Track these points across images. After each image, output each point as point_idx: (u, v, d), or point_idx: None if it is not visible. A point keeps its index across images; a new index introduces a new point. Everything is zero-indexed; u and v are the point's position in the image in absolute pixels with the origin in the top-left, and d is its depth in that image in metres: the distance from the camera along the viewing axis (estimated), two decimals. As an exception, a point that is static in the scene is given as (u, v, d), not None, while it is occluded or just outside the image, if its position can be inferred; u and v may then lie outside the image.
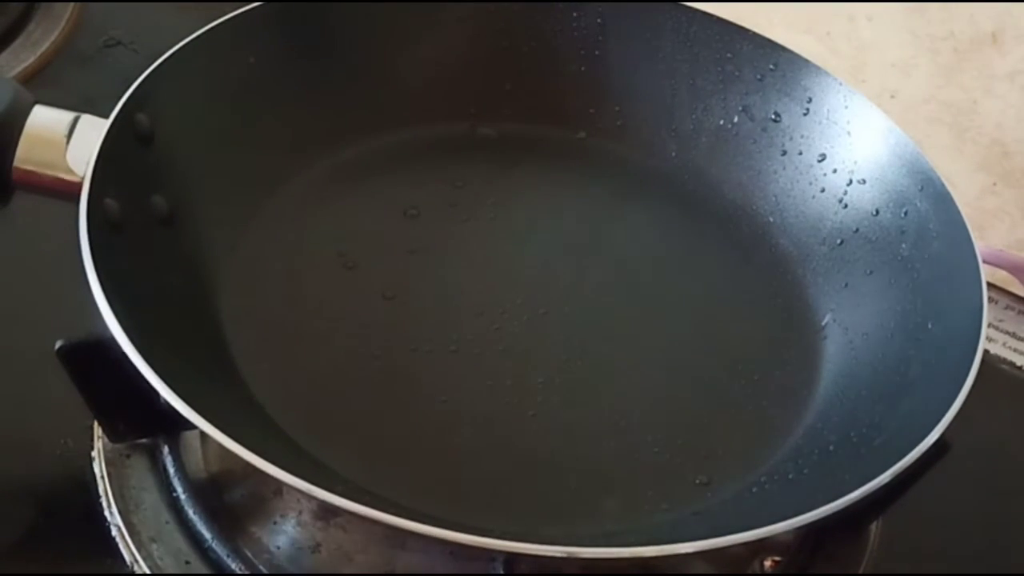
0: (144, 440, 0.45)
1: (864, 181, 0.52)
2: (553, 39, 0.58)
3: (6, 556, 0.44)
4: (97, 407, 0.42)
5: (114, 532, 0.44)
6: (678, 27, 0.57)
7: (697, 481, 0.43)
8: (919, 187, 0.49)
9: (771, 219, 0.55)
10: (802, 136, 0.54)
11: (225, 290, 0.47)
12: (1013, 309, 0.62)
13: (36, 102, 0.44)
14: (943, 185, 0.48)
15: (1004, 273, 0.61)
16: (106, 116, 0.44)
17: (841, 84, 0.53)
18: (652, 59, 0.57)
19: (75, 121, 0.43)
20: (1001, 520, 0.51)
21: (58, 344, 0.39)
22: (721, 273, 0.53)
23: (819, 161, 0.54)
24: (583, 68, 0.58)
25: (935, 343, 0.44)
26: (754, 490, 0.43)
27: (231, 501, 0.44)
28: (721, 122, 0.56)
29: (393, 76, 0.56)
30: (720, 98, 0.56)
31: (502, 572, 0.40)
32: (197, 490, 0.44)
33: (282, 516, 0.44)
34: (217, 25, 0.50)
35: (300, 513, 0.44)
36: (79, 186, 0.41)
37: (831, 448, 0.43)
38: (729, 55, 0.56)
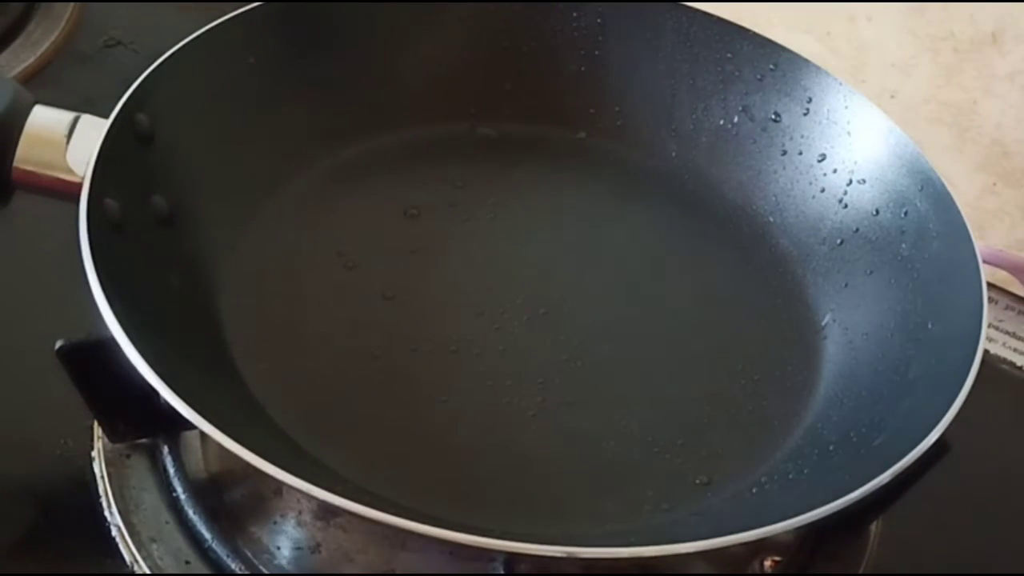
0: (144, 440, 0.45)
1: (864, 181, 0.52)
2: (553, 39, 0.58)
3: (6, 556, 0.44)
4: (97, 407, 0.42)
5: (114, 532, 0.44)
6: (678, 27, 0.57)
7: (697, 481, 0.43)
8: (919, 187, 0.49)
9: (771, 219, 0.55)
10: (802, 136, 0.54)
11: (225, 290, 0.47)
12: (1013, 309, 0.62)
13: (36, 102, 0.44)
14: (943, 185, 0.48)
15: (1004, 273, 0.61)
16: (106, 116, 0.44)
17: (841, 84, 0.53)
18: (652, 59, 0.57)
19: (75, 121, 0.43)
20: (1001, 520, 0.51)
21: (58, 344, 0.39)
22: (721, 273, 0.53)
23: (819, 161, 0.54)
24: (583, 68, 0.58)
25: (935, 343, 0.44)
26: (754, 490, 0.43)
27: (231, 501, 0.44)
28: (721, 122, 0.56)
29: (393, 76, 0.56)
30: (720, 98, 0.56)
31: (502, 572, 0.40)
32: (197, 490, 0.44)
33: (282, 516, 0.44)
34: (217, 25, 0.50)
35: (300, 513, 0.44)
36: (79, 186, 0.41)
37: (831, 448, 0.43)
38: (729, 55, 0.56)
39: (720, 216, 0.55)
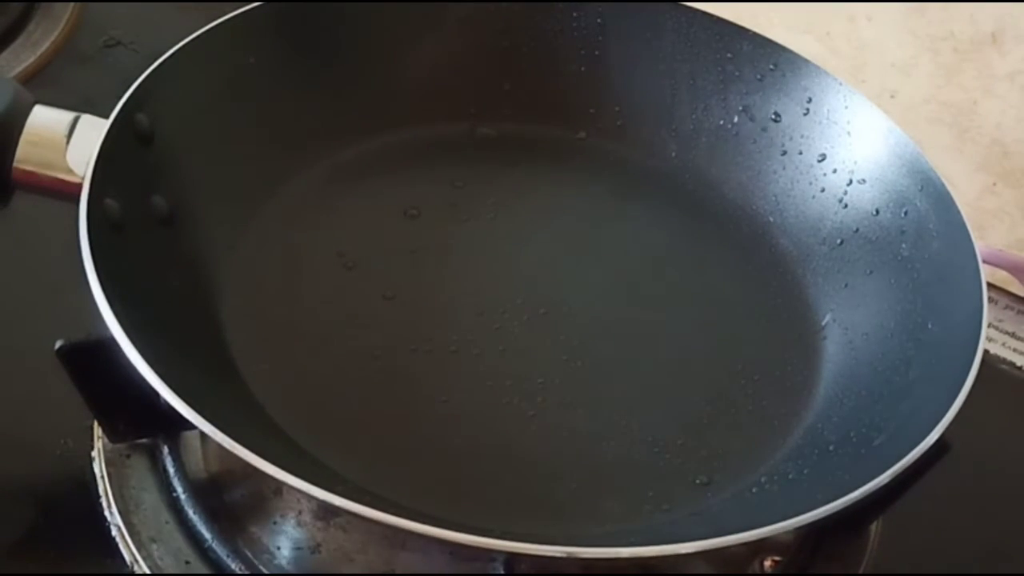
0: (144, 440, 0.45)
1: (864, 181, 0.52)
2: (553, 39, 0.58)
3: (6, 556, 0.44)
4: (97, 407, 0.42)
5: (114, 532, 0.44)
6: (678, 27, 0.57)
7: (697, 481, 0.43)
8: (919, 187, 0.49)
9: (771, 219, 0.55)
10: (802, 136, 0.54)
11: (225, 290, 0.47)
12: (1013, 309, 0.62)
13: (36, 102, 0.44)
14: (943, 185, 0.48)
15: (1004, 273, 0.61)
16: (106, 116, 0.44)
17: (841, 84, 0.53)
18: (652, 59, 0.57)
19: (75, 121, 0.43)
20: (1001, 520, 0.51)
21: (58, 344, 0.39)
22: (721, 273, 0.53)
23: (819, 161, 0.54)
24: (583, 68, 0.58)
25: (935, 343, 0.44)
26: (754, 490, 0.43)
27: (231, 501, 0.44)
28: (721, 122, 0.56)
29: (393, 76, 0.56)
30: (720, 98, 0.56)
31: (502, 572, 0.40)
32: (197, 490, 0.44)
33: (282, 516, 0.44)
34: (217, 25, 0.50)
35: (300, 513, 0.44)
36: (79, 186, 0.41)
37: (831, 448, 0.43)
38: (729, 55, 0.56)
39: (720, 216, 0.55)
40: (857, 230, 0.51)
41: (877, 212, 0.51)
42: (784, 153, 0.55)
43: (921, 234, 0.48)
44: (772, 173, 0.55)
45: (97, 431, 0.46)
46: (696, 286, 0.52)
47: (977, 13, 0.65)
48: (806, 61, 0.54)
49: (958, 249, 0.46)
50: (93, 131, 0.43)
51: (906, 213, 0.50)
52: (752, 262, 0.53)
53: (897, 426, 0.42)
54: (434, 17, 0.56)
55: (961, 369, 0.40)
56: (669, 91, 0.57)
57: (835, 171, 0.53)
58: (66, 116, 0.44)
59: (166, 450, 0.45)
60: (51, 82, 0.64)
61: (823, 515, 0.35)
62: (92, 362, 0.39)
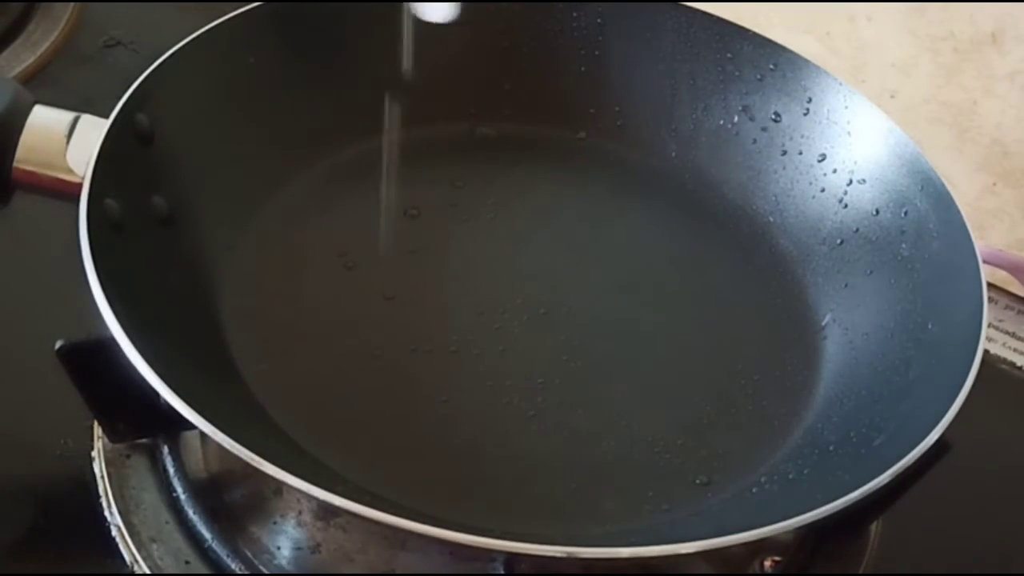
0: (144, 440, 0.45)
1: (864, 181, 0.52)
2: (553, 39, 0.58)
3: (6, 556, 0.44)
4: (97, 407, 0.42)
5: (114, 532, 0.44)
6: (678, 27, 0.57)
7: (697, 481, 0.43)
8: (919, 187, 0.49)
9: (771, 219, 0.55)
10: (802, 136, 0.54)
11: (225, 290, 0.47)
12: (1013, 309, 0.62)
13: (36, 102, 0.44)
14: (943, 185, 0.48)
15: (1004, 273, 0.61)
16: (106, 116, 0.44)
17: (841, 84, 0.53)
18: (652, 59, 0.57)
19: (75, 121, 0.43)
20: (1001, 520, 0.51)
21: (58, 344, 0.39)
22: (721, 273, 0.53)
23: (819, 161, 0.54)
24: (583, 68, 0.58)
25: (935, 343, 0.44)
26: (754, 490, 0.43)
27: (231, 501, 0.44)
28: (721, 122, 0.56)
29: (393, 76, 0.56)
30: (720, 98, 0.56)
31: (502, 572, 0.40)
32: (197, 490, 0.44)
33: (282, 516, 0.44)
34: (217, 25, 0.50)
35: (300, 513, 0.44)
36: (79, 186, 0.41)
37: (831, 448, 0.43)
38: (729, 55, 0.56)
39: (720, 216, 0.55)
40: (857, 230, 0.51)
41: (877, 212, 0.51)
42: (784, 153, 0.55)
43: (921, 234, 0.48)
44: (772, 173, 0.55)
45: (97, 431, 0.46)
46: (696, 286, 0.52)
47: (977, 13, 0.65)
48: (806, 61, 0.54)
49: (958, 249, 0.46)
50: (93, 131, 0.43)
51: (906, 213, 0.50)
52: (752, 262, 0.53)
53: (897, 426, 0.42)
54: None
55: (961, 369, 0.40)
56: (669, 91, 0.57)
57: (835, 171, 0.53)
58: (66, 116, 0.44)
59: (166, 450, 0.45)
60: (51, 82, 0.64)
61: (823, 515, 0.35)
62: (92, 362, 0.39)
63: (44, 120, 0.43)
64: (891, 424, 0.42)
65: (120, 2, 0.70)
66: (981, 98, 0.66)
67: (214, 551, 0.43)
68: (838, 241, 0.52)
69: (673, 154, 0.57)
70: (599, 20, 0.58)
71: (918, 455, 0.37)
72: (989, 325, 0.42)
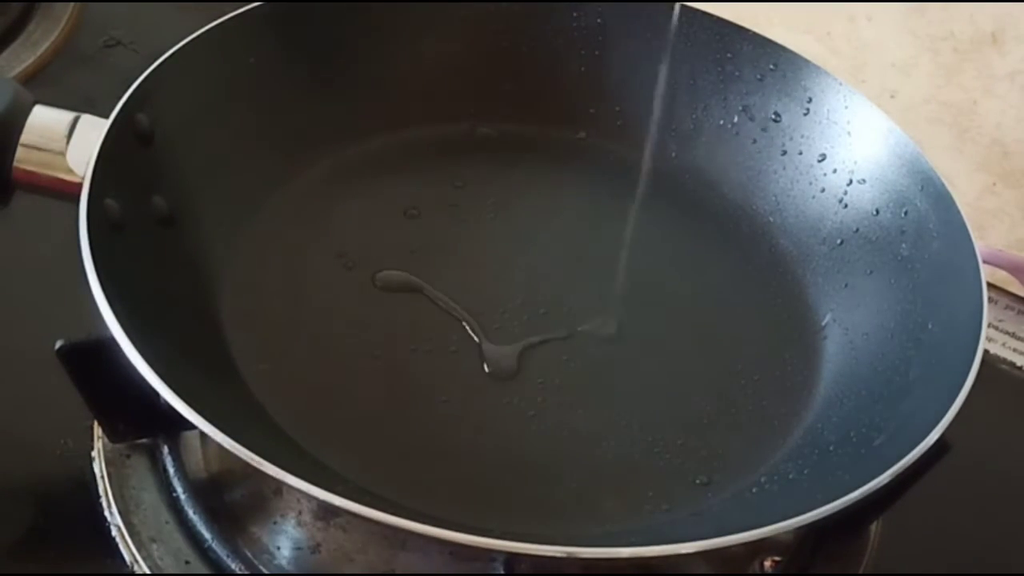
0: (144, 440, 0.45)
1: (864, 181, 0.52)
2: (553, 39, 0.58)
3: (6, 556, 0.44)
4: (97, 407, 0.42)
5: (114, 532, 0.44)
6: (678, 27, 0.56)
7: (697, 481, 0.43)
8: (919, 187, 0.49)
9: (771, 219, 0.55)
10: (802, 136, 0.54)
11: (225, 290, 0.47)
12: (1013, 309, 0.62)
13: (36, 102, 0.44)
14: (943, 185, 0.48)
15: (1004, 273, 0.61)
16: (106, 116, 0.44)
17: (841, 84, 0.53)
18: (652, 59, 0.57)
19: (75, 121, 0.43)
20: (1001, 520, 0.51)
21: (58, 344, 0.39)
22: (721, 273, 0.53)
23: (819, 161, 0.54)
24: (583, 68, 0.58)
25: (935, 343, 0.44)
26: (754, 490, 0.43)
27: (231, 501, 0.44)
28: (721, 122, 0.56)
29: (393, 76, 0.56)
30: (720, 98, 0.56)
31: (502, 572, 0.40)
32: (197, 490, 0.44)
33: (282, 516, 0.43)
34: (217, 25, 0.50)
35: (300, 513, 0.44)
36: (79, 186, 0.41)
37: (831, 448, 0.43)
38: (729, 55, 0.56)
39: (720, 216, 0.55)
40: (857, 230, 0.51)
41: (877, 212, 0.51)
42: (784, 153, 0.55)
43: (921, 234, 0.48)
44: (772, 173, 0.55)
45: (97, 431, 0.46)
46: (696, 286, 0.52)
47: (977, 13, 0.65)
48: (806, 61, 0.54)
49: (958, 249, 0.46)
50: (93, 131, 0.43)
51: (906, 213, 0.50)
52: (752, 262, 0.53)
53: (897, 426, 0.42)
54: (434, 17, 0.56)
55: (961, 369, 0.40)
56: (669, 91, 0.57)
57: (835, 171, 0.53)
58: (66, 116, 0.44)
59: (166, 450, 0.45)
60: (51, 82, 0.64)
61: (823, 515, 0.35)
62: (92, 362, 0.39)
63: (44, 120, 0.43)
64: (891, 424, 0.42)
65: (120, 2, 0.70)
66: (981, 98, 0.66)
67: (214, 551, 0.43)
68: (838, 241, 0.52)
69: (673, 154, 0.57)
70: (599, 20, 0.58)
71: (918, 455, 0.37)
72: (989, 325, 0.43)
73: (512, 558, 0.39)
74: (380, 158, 0.55)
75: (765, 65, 0.55)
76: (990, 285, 0.46)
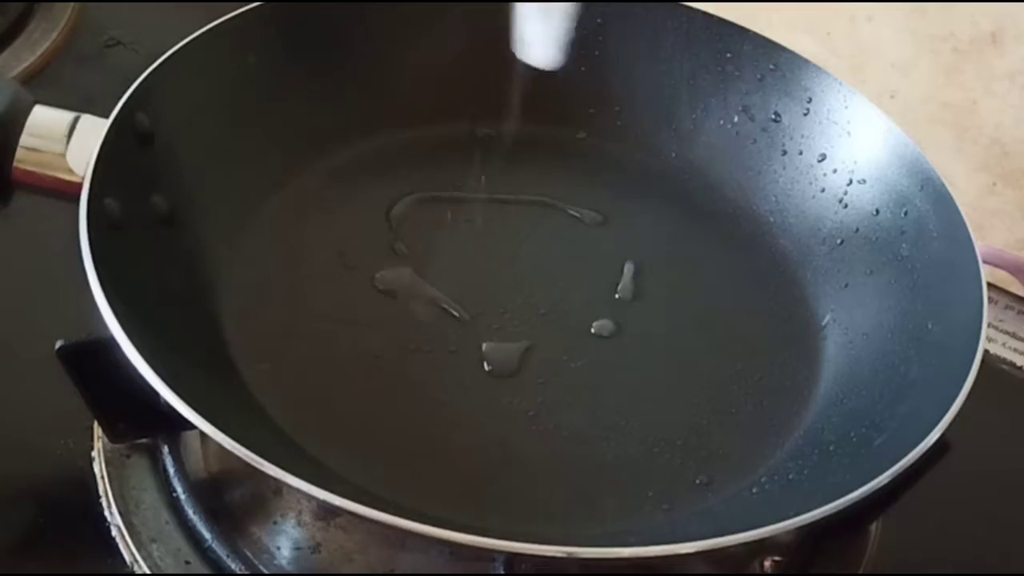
0: (144, 440, 0.45)
1: (864, 181, 0.52)
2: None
3: (6, 556, 0.44)
4: (97, 407, 0.42)
5: (114, 532, 0.44)
6: (678, 27, 0.57)
7: (697, 481, 0.43)
8: (919, 187, 0.49)
9: (771, 219, 0.55)
10: (802, 136, 0.54)
11: (225, 290, 0.47)
12: (1013, 309, 0.62)
13: (36, 102, 0.44)
14: (943, 185, 0.48)
15: (1004, 273, 0.61)
16: (106, 116, 0.44)
17: (841, 84, 0.53)
18: (652, 59, 0.57)
19: (75, 121, 0.43)
20: (1001, 520, 0.51)
21: (58, 344, 0.39)
22: (721, 273, 0.53)
23: (819, 161, 0.54)
24: (583, 68, 0.58)
25: (935, 343, 0.44)
26: (754, 490, 0.43)
27: (231, 501, 0.44)
28: (721, 122, 0.56)
29: (393, 76, 0.56)
30: (720, 98, 0.56)
31: (502, 572, 0.40)
32: (197, 490, 0.44)
33: (282, 516, 0.43)
34: (217, 25, 0.50)
35: (300, 513, 0.44)
36: (79, 186, 0.41)
37: (831, 448, 0.43)
38: (729, 55, 0.56)
39: (720, 216, 0.55)
40: (857, 230, 0.51)
41: (877, 212, 0.51)
42: (784, 153, 0.55)
43: (921, 234, 0.48)
44: (772, 173, 0.55)
45: (97, 431, 0.46)
46: (696, 286, 0.52)
47: (977, 13, 0.65)
48: (806, 61, 0.54)
49: (958, 249, 0.46)
50: (93, 131, 0.43)
51: (906, 213, 0.50)
52: (752, 262, 0.53)
53: (897, 426, 0.42)
54: (434, 17, 0.56)
55: (961, 369, 0.40)
56: (669, 91, 0.57)
57: (835, 171, 0.53)
58: (66, 116, 0.44)
59: (166, 450, 0.45)
60: (51, 82, 0.64)
61: (823, 515, 0.35)
62: (92, 362, 0.39)
63: (44, 120, 0.43)
64: (891, 424, 0.42)
65: (120, 2, 0.70)
66: (981, 98, 0.66)
67: (214, 551, 0.43)
68: (838, 241, 0.52)
69: (673, 154, 0.57)
70: (599, 20, 0.57)
71: (918, 455, 0.37)
72: (989, 325, 0.42)
73: (512, 558, 0.39)
74: (380, 158, 0.55)
75: (765, 65, 0.55)
76: (990, 285, 0.46)
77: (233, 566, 0.42)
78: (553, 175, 0.57)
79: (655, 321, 0.50)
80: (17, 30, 0.66)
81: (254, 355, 0.44)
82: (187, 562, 0.42)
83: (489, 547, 0.33)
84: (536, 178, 0.56)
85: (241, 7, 0.51)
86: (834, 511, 0.36)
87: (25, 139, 0.43)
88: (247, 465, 0.34)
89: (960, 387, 0.40)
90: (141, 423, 0.43)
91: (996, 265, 0.60)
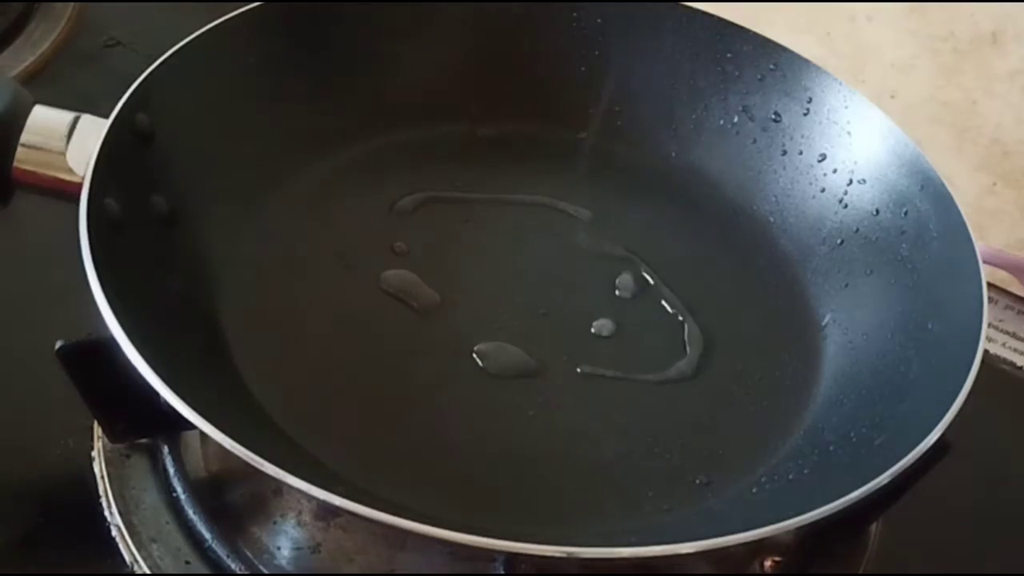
0: (144, 440, 0.45)
1: (864, 181, 0.52)
2: (553, 39, 0.58)
3: (6, 556, 0.44)
4: (97, 407, 0.42)
5: (114, 532, 0.44)
6: (678, 27, 0.57)
7: (697, 481, 0.43)
8: (919, 187, 0.49)
9: (771, 219, 0.55)
10: (802, 136, 0.54)
11: (225, 290, 0.47)
12: (1013, 309, 0.62)
13: (36, 102, 0.44)
14: (943, 185, 0.48)
15: (1004, 273, 0.61)
16: (106, 116, 0.44)
17: (841, 84, 0.53)
18: (652, 59, 0.57)
19: (75, 121, 0.43)
20: (1001, 521, 0.51)
21: (58, 344, 0.39)
22: (721, 273, 0.53)
23: (819, 161, 0.54)
24: (583, 68, 0.58)
25: (935, 343, 0.44)
26: (754, 490, 0.43)
27: (231, 501, 0.44)
28: (721, 122, 0.56)
29: (393, 76, 0.56)
30: (720, 98, 0.56)
31: (502, 572, 0.40)
32: (197, 490, 0.44)
33: (282, 516, 0.43)
34: (217, 25, 0.50)
35: (300, 513, 0.43)
36: (79, 186, 0.41)
37: (831, 448, 0.43)
38: (729, 55, 0.56)
39: (720, 216, 0.55)
40: (857, 230, 0.51)
41: (877, 212, 0.51)
42: (784, 153, 0.55)
43: (921, 234, 0.48)
44: (772, 173, 0.55)
45: (97, 431, 0.46)
46: (696, 286, 0.52)
47: (977, 13, 0.65)
48: (806, 61, 0.54)
49: (958, 249, 0.46)
50: (93, 131, 0.43)
51: (906, 213, 0.50)
52: (752, 262, 0.53)
53: (897, 426, 0.42)
54: (434, 17, 0.56)
55: (961, 369, 0.40)
56: (669, 91, 0.57)
57: (835, 171, 0.53)
58: (66, 116, 0.44)
59: (166, 450, 0.45)
60: (51, 82, 0.64)
61: (823, 515, 0.35)
62: (92, 362, 0.39)
63: (44, 120, 0.43)
64: (891, 424, 0.42)
65: (120, 2, 0.70)
66: (981, 98, 0.66)
67: (214, 551, 0.43)
68: (838, 241, 0.52)
69: (673, 154, 0.57)
70: (599, 20, 0.57)
71: (918, 455, 0.37)
72: (989, 325, 0.42)
73: (512, 558, 0.39)
74: (380, 158, 0.55)
75: (765, 65, 0.55)
76: (990, 285, 0.46)
77: (233, 566, 0.42)
78: (553, 175, 0.57)
79: (655, 321, 0.50)
80: (17, 30, 0.66)
81: (254, 355, 0.44)
82: (187, 562, 0.42)
83: (489, 547, 0.33)
84: (536, 178, 0.56)
85: (241, 7, 0.51)
86: (834, 511, 0.36)
87: (25, 139, 0.43)
88: (247, 465, 0.34)
89: (960, 387, 0.40)
90: (141, 423, 0.43)
91: (996, 265, 0.60)
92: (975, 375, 0.40)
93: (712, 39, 0.56)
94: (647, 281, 0.52)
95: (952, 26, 0.66)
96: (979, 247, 0.46)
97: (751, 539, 0.35)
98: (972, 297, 0.44)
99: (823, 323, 0.50)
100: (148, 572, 0.42)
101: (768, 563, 0.45)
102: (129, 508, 0.44)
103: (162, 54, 0.47)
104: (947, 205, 0.48)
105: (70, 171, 0.43)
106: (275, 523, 0.43)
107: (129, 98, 0.45)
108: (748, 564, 0.45)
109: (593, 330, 0.49)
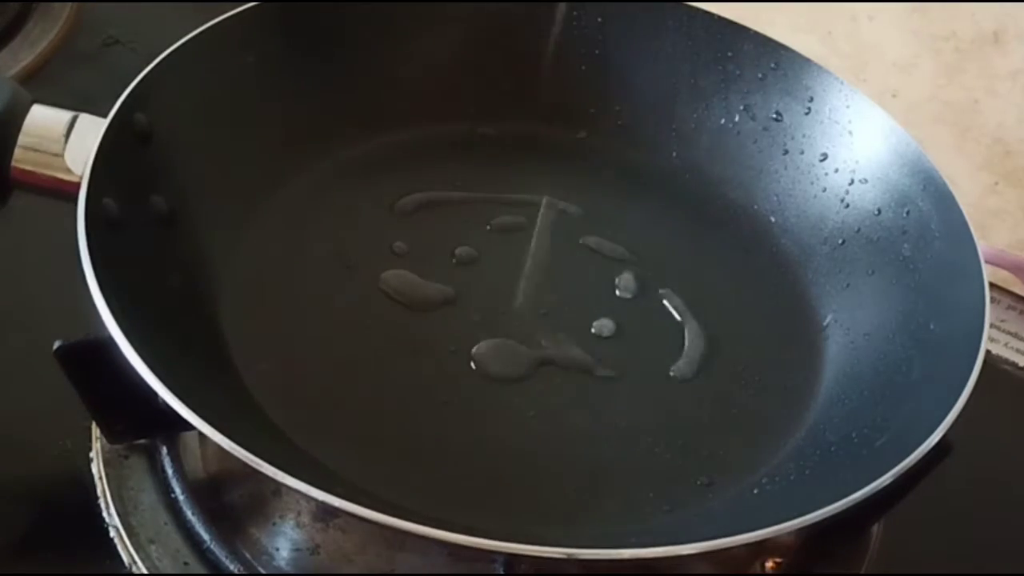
0: (142, 441, 0.45)
1: (866, 181, 0.52)
2: (553, 39, 0.58)
3: (4, 557, 0.44)
4: (95, 408, 0.42)
5: (112, 533, 0.43)
6: (679, 26, 0.56)
7: (698, 482, 0.43)
8: (921, 187, 0.49)
9: (772, 219, 0.55)
10: (804, 135, 0.54)
11: (225, 290, 0.46)
12: (1015, 309, 0.62)
13: (34, 101, 0.44)
14: (945, 185, 0.48)
15: (1006, 273, 0.61)
16: (105, 115, 0.44)
17: (843, 83, 0.53)
18: (653, 59, 0.57)
19: (73, 120, 0.43)
20: (1003, 521, 0.51)
21: (56, 344, 0.39)
22: (722, 273, 0.53)
23: (821, 161, 0.54)
24: (583, 68, 0.58)
25: (937, 344, 0.44)
26: (755, 491, 0.43)
27: (230, 502, 0.44)
28: (722, 121, 0.56)
29: (393, 76, 0.56)
30: (721, 97, 0.56)
31: (502, 572, 0.39)
32: (196, 491, 0.44)
33: (281, 517, 0.43)
34: (217, 25, 0.50)
35: (299, 514, 0.43)
36: (77, 186, 0.41)
37: (833, 449, 0.43)
38: (730, 54, 0.56)
39: (721, 216, 0.55)
40: (859, 230, 0.51)
41: (879, 212, 0.51)
42: (786, 153, 0.55)
43: (923, 234, 0.48)
44: (773, 173, 0.55)
45: (95, 432, 0.46)
46: (697, 286, 0.52)
47: (979, 12, 0.65)
48: (808, 60, 0.54)
49: (960, 249, 0.46)
50: (91, 130, 0.43)
51: (908, 213, 0.49)
52: (753, 262, 0.53)
53: (899, 427, 0.41)
54: (434, 17, 0.56)
55: (963, 370, 0.40)
56: (670, 91, 0.57)
57: (837, 171, 0.53)
58: (64, 115, 0.44)
59: (165, 451, 0.45)
60: (49, 81, 0.63)
61: (824, 516, 0.35)
62: (90, 362, 0.39)
63: (42, 119, 0.43)
64: (893, 425, 0.42)
65: (119, 1, 0.70)
66: (983, 97, 0.66)
67: (213, 552, 0.42)
68: (840, 241, 0.52)
69: (674, 154, 0.57)
70: (599, 20, 0.57)
71: (920, 456, 0.37)
72: (991, 326, 0.42)
73: (512, 558, 0.39)
74: (380, 158, 0.55)
75: (766, 64, 0.55)
76: (992, 285, 0.46)
77: (232, 567, 0.42)
78: (553, 175, 0.56)
79: (655, 321, 0.50)
80: (15, 29, 0.66)
81: (253, 355, 0.44)
82: (185, 563, 0.42)
83: (489, 548, 0.33)
84: (536, 178, 0.56)
85: (240, 7, 0.51)
86: (835, 512, 0.35)
87: (23, 138, 0.43)
88: (246, 466, 0.34)
89: (962, 388, 0.39)
90: (139, 424, 0.43)
91: (998, 265, 0.60)
92: (977, 376, 0.40)
93: (713, 38, 0.56)
94: (647, 281, 0.52)
95: (954, 25, 0.66)
96: (981, 247, 0.45)
97: (752, 540, 0.35)
98: (974, 297, 0.43)
99: (824, 323, 0.50)
100: (146, 573, 0.42)
101: (769, 564, 0.45)
102: (127, 509, 0.44)
103: (160, 53, 0.47)
104: (949, 205, 0.48)
105: (68, 171, 0.42)
106: (274, 524, 0.43)
107: (127, 97, 0.44)
108: (749, 565, 0.45)
109: (593, 330, 0.49)
